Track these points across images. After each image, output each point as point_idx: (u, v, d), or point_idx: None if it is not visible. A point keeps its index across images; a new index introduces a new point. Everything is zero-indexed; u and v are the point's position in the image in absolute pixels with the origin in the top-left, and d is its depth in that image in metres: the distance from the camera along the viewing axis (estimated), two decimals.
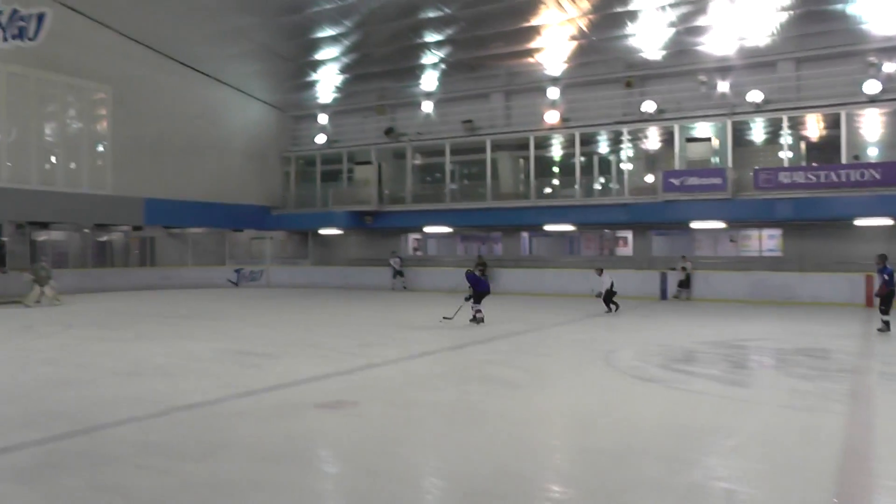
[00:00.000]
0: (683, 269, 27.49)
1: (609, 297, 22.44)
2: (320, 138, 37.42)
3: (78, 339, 16.60)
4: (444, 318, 19.19)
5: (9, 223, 30.17)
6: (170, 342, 15.91)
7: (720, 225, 28.15)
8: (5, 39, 27.86)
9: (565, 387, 10.90)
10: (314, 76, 34.40)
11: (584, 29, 27.25)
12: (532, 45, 29.00)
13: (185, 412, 9.17)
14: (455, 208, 32.47)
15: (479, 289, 19.24)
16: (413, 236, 36.77)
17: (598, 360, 13.09)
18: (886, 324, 17.17)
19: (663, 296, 27.81)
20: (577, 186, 30.25)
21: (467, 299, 19.31)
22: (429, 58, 31.21)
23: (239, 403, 9.68)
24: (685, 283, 27.49)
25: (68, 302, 25.91)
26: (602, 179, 30.83)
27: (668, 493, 6.05)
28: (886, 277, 17.31)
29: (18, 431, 8.29)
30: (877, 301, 18.28)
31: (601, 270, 23.36)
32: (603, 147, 31.22)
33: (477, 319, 18.79)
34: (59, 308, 24.42)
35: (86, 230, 33.13)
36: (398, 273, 33.45)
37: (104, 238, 34.82)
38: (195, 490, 6.26)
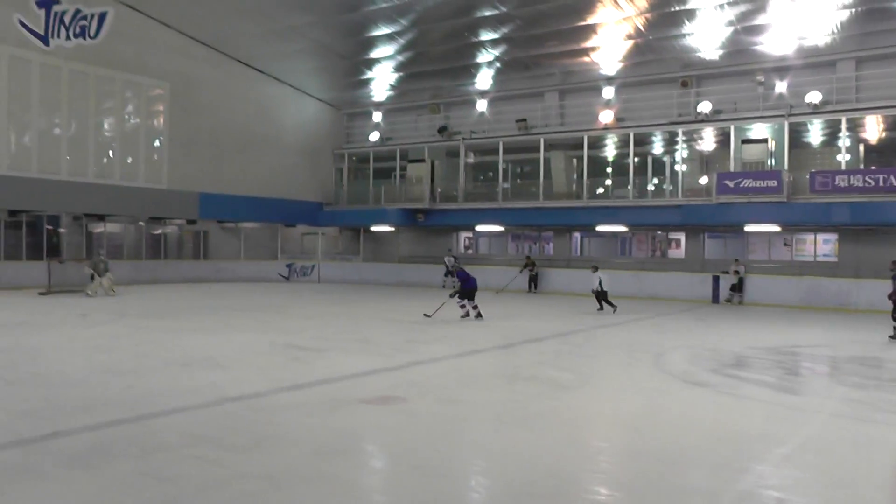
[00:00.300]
0: (736, 272, 27.15)
1: (601, 297, 22.90)
2: (374, 136, 37.68)
3: (131, 329, 16.91)
4: (424, 314, 19.80)
5: (66, 215, 30.88)
6: (221, 334, 16.16)
7: (774, 228, 27.66)
8: (68, 38, 28.75)
9: (614, 389, 10.85)
10: (369, 74, 34.56)
11: (641, 28, 26.97)
12: (588, 43, 28.74)
13: (234, 403, 9.31)
14: (507, 207, 32.42)
15: (466, 286, 19.82)
16: (465, 235, 36.78)
17: (647, 362, 13.01)
18: None
19: (715, 299, 27.48)
20: (629, 187, 30.04)
21: (452, 296, 19.94)
22: (484, 56, 31.15)
23: (287, 396, 9.80)
24: (737, 287, 27.14)
25: (122, 293, 26.48)
26: (655, 180, 30.54)
27: (717, 501, 6.02)
28: None
29: (74, 416, 8.51)
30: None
31: (595, 268, 23.63)
32: (657, 147, 30.96)
33: (472, 315, 19.42)
34: (113, 298, 24.95)
35: (141, 223, 33.74)
36: (450, 272, 33.39)
37: (158, 231, 35.40)
38: (244, 481, 6.36)
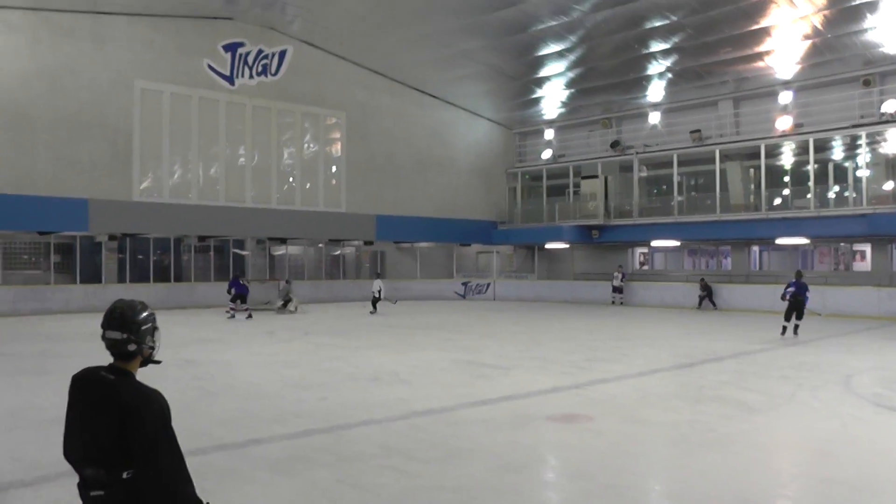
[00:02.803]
0: None
1: (375, 302, 27.62)
2: (546, 153, 37.85)
3: (315, 346, 17.79)
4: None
5: (251, 239, 32.79)
6: (403, 351, 16.74)
7: None
8: (251, 77, 30.88)
9: (803, 412, 10.51)
10: (539, 92, 34.79)
11: (818, 26, 25.77)
12: (762, 47, 27.70)
13: (422, 417, 9.69)
14: (682, 221, 31.69)
15: (238, 291, 25.70)
16: (640, 250, 36.34)
17: (837, 384, 12.51)
18: None
19: None
20: (810, 196, 28.71)
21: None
22: (655, 67, 30.75)
23: (473, 412, 10.10)
24: None
25: (303, 311, 28.05)
26: (837, 188, 29.12)
27: None
28: None
29: (269, 426, 9.13)
30: None
31: (377, 274, 28.57)
32: (838, 153, 29.40)
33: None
34: (296, 317, 26.33)
35: (320, 245, 35.35)
36: (617, 289, 33.24)
37: (337, 252, 36.94)
38: (437, 492, 6.66)
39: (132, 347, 3.09)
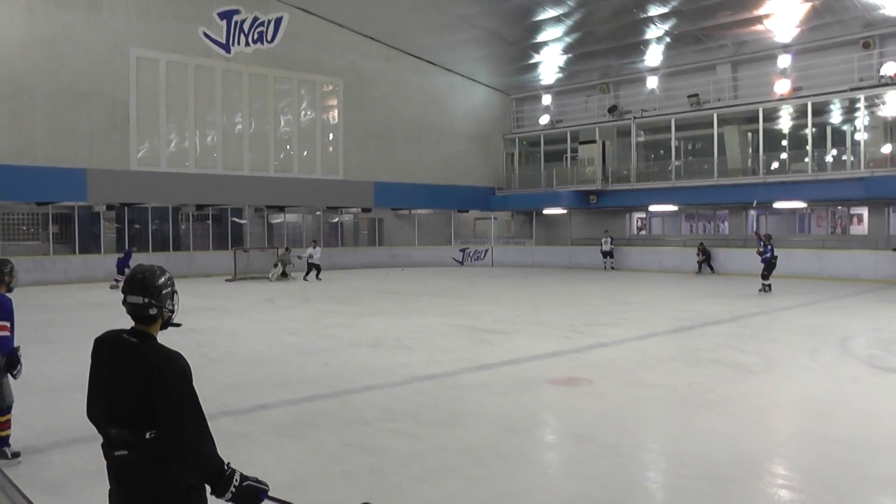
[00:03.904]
0: None
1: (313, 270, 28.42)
2: (544, 119, 37.75)
3: (316, 313, 17.93)
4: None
5: (249, 207, 32.83)
6: (403, 317, 16.86)
7: None
8: (247, 44, 30.74)
9: (800, 373, 10.65)
10: (537, 58, 34.63)
11: None
12: (761, 10, 27.49)
13: (425, 382, 9.84)
14: (680, 186, 31.65)
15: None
16: (637, 215, 36.39)
17: (833, 346, 12.66)
18: None
19: None
20: (807, 160, 28.64)
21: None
22: (653, 32, 30.54)
23: (476, 376, 10.24)
24: None
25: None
26: (835, 151, 29.08)
27: None
28: None
29: (274, 391, 9.30)
30: None
31: (315, 243, 29.19)
32: (836, 116, 29.28)
33: None
34: (295, 284, 26.63)
35: (318, 213, 35.41)
36: (607, 254, 33.44)
37: (335, 220, 37.04)
38: (443, 455, 6.81)
39: (153, 311, 3.18)
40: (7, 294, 6.71)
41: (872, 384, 9.95)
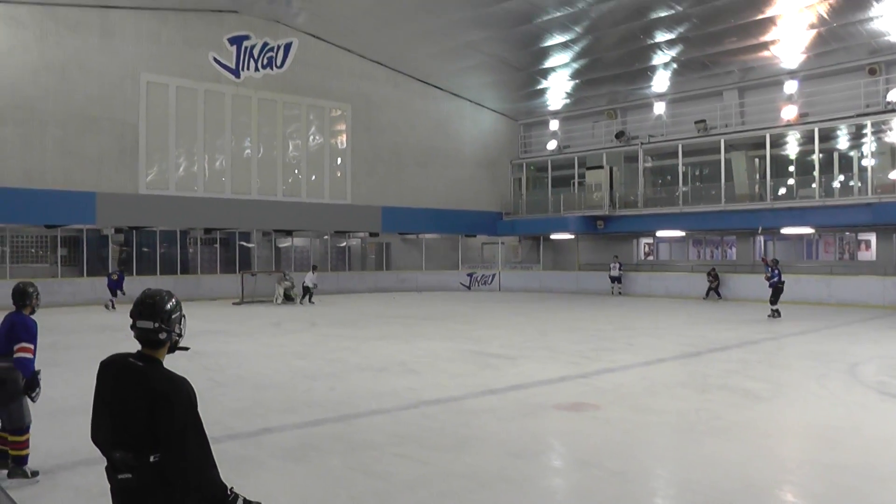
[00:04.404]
0: None
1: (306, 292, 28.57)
2: (551, 144, 37.85)
3: (323, 337, 17.91)
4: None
5: (257, 231, 32.93)
6: (410, 341, 16.84)
7: None
8: (257, 69, 31.07)
9: (809, 400, 10.59)
10: (544, 83, 34.77)
11: (824, 15, 25.64)
12: (767, 37, 27.60)
13: (432, 406, 9.81)
14: (687, 212, 31.64)
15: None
16: (645, 240, 36.37)
17: (842, 372, 12.58)
18: None
19: None
20: (815, 186, 28.62)
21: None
22: (660, 58, 30.68)
23: (482, 401, 10.20)
24: None
25: (309, 302, 28.30)
26: (842, 177, 29.07)
27: None
28: None
29: (280, 415, 9.28)
30: None
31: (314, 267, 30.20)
32: (843, 142, 29.30)
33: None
34: (302, 308, 26.60)
35: (326, 237, 35.47)
36: (615, 279, 33.41)
37: (343, 244, 37.09)
38: (450, 480, 6.78)
39: (163, 336, 3.19)
40: (31, 316, 6.87)
41: (882, 411, 9.89)
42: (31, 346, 6.66)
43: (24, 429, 6.73)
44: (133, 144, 28.25)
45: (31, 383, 6.60)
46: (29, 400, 6.71)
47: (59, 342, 16.26)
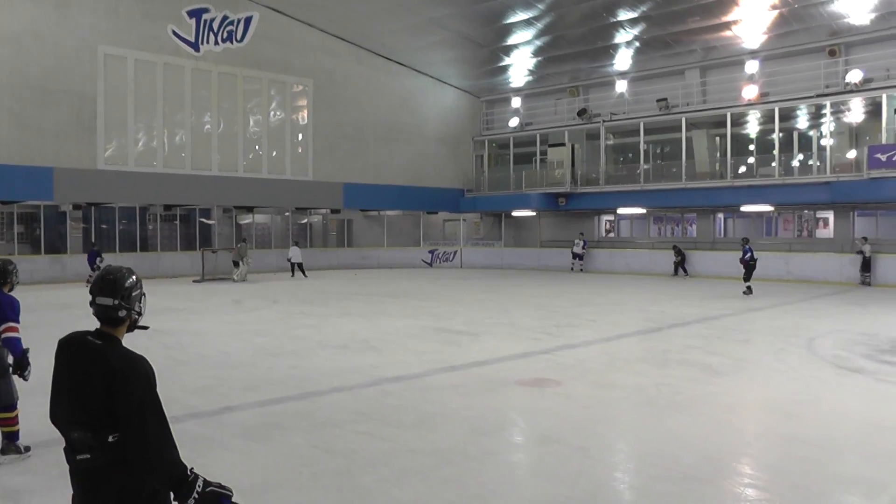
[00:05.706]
0: (860, 252, 25.77)
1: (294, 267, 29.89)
2: (513, 121, 37.84)
3: (285, 315, 17.80)
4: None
5: (217, 208, 32.59)
6: (372, 319, 16.78)
7: None
8: (217, 43, 30.60)
9: (767, 374, 10.74)
10: (507, 60, 34.71)
11: None
12: (729, 17, 27.74)
13: (394, 384, 9.80)
14: (649, 189, 31.87)
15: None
16: (606, 218, 36.57)
17: (800, 347, 12.79)
18: None
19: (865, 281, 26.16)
20: (774, 164, 28.95)
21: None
22: (622, 36, 30.71)
23: (444, 378, 10.23)
24: (866, 267, 25.72)
25: (271, 280, 28.35)
26: (801, 156, 29.40)
27: (878, 491, 6.02)
28: None
29: (242, 393, 9.23)
30: None
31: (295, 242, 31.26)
32: (803, 122, 29.69)
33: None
34: (263, 285, 26.43)
35: (287, 213, 35.24)
36: (577, 256, 33.57)
37: (304, 220, 36.88)
38: (412, 456, 6.78)
39: (122, 313, 3.13)
40: (10, 294, 6.81)
41: (837, 384, 10.06)
42: (18, 326, 6.63)
43: (12, 405, 6.73)
44: (91, 118, 27.75)
45: (22, 363, 6.60)
46: (20, 378, 6.71)
47: None
